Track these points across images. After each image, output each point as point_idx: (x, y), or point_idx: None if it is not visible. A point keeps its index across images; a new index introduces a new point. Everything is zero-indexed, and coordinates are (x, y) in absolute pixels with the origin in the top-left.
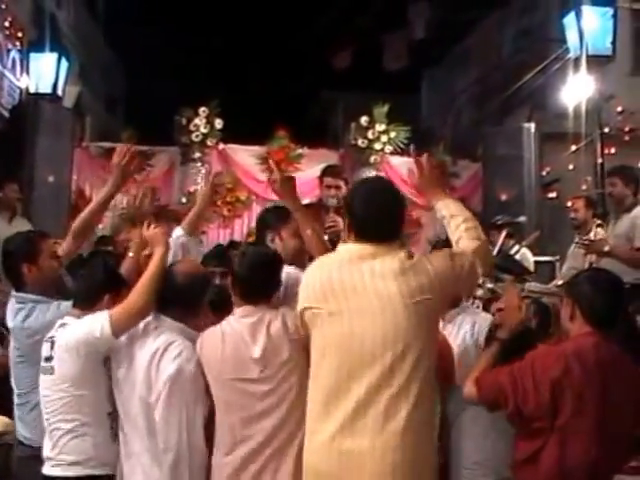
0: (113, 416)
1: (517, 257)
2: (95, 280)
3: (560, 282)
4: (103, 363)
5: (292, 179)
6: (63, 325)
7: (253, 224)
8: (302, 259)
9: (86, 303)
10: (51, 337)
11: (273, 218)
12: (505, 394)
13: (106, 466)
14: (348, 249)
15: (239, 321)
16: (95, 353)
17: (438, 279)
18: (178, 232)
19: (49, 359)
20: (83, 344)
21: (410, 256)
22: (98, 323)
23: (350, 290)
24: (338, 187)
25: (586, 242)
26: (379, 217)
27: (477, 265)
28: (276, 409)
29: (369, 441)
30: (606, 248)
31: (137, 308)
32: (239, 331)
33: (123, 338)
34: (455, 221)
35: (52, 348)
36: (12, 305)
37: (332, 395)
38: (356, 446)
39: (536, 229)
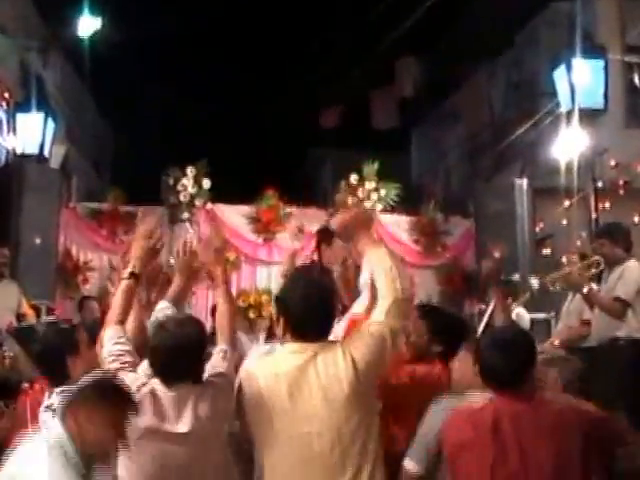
0: None
1: (513, 317)
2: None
3: (557, 342)
4: None
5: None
6: None
7: (243, 285)
8: None
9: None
10: None
11: None
12: None
13: None
14: (292, 350)
15: (164, 394)
16: None
17: (372, 365)
18: (163, 304)
19: None
20: None
21: (344, 351)
22: None
23: (298, 393)
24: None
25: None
26: (317, 317)
27: (394, 327)
28: None
29: None
30: (585, 289)
31: None
32: (161, 402)
33: None
34: (376, 274)
35: None
36: None
37: None
38: None
39: (530, 290)
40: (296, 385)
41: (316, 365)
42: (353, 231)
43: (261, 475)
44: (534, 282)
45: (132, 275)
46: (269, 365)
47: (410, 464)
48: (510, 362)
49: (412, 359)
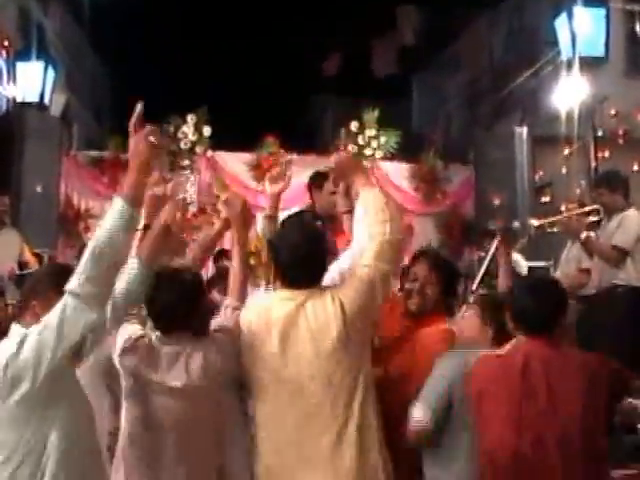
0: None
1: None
2: None
3: None
4: None
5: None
6: None
7: None
8: None
9: None
10: None
11: None
12: None
13: None
14: (282, 297)
15: (161, 347)
16: None
17: (362, 309)
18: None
19: None
20: None
21: (333, 297)
22: None
23: (287, 339)
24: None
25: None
26: (306, 266)
27: (383, 270)
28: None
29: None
30: (583, 235)
31: None
32: (159, 355)
33: None
34: (368, 214)
35: None
36: None
37: (290, 434)
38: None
39: (528, 234)
40: (286, 331)
41: (305, 311)
42: (350, 171)
43: (255, 421)
44: (534, 222)
45: (145, 227)
46: (261, 312)
47: (419, 412)
48: (543, 306)
49: (424, 312)
